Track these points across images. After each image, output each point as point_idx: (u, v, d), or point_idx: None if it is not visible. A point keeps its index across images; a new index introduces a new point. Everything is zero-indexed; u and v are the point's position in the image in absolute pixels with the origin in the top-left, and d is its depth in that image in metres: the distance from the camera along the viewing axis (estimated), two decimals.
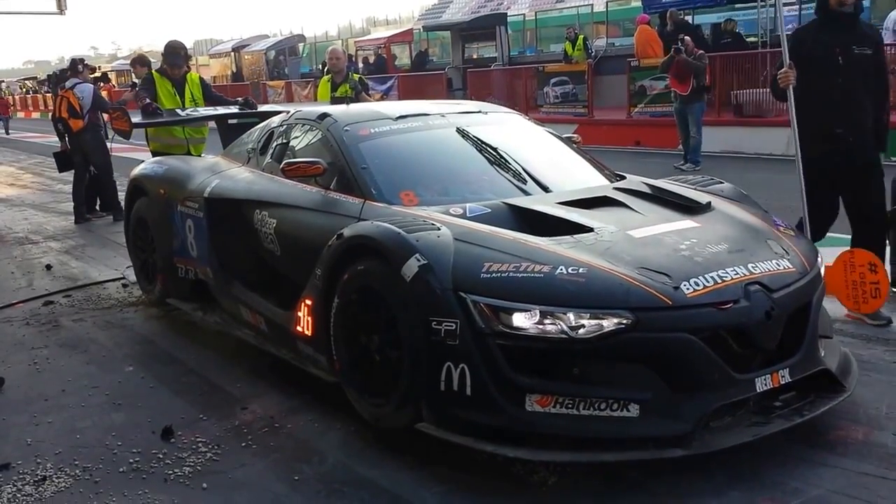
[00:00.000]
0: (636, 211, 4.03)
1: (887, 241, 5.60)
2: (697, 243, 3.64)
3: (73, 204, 10.51)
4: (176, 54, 7.38)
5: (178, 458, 3.70)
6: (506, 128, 5.14)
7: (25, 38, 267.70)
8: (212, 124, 7.34)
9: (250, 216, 4.92)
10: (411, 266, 3.41)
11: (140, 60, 9.52)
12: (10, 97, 38.90)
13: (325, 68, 8.18)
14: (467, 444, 3.33)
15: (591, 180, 4.69)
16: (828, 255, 6.19)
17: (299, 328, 4.23)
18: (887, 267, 5.38)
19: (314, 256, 4.08)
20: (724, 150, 14.03)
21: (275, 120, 5.51)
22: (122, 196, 7.75)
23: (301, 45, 36.64)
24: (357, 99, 6.84)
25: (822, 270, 3.95)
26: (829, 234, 7.42)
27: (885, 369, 4.32)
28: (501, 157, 4.59)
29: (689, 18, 18.73)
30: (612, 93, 18.03)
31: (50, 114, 12.38)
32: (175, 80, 7.31)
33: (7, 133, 29.59)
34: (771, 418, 3.38)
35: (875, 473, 3.27)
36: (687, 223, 3.90)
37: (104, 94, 12.43)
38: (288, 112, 5.50)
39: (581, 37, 20.76)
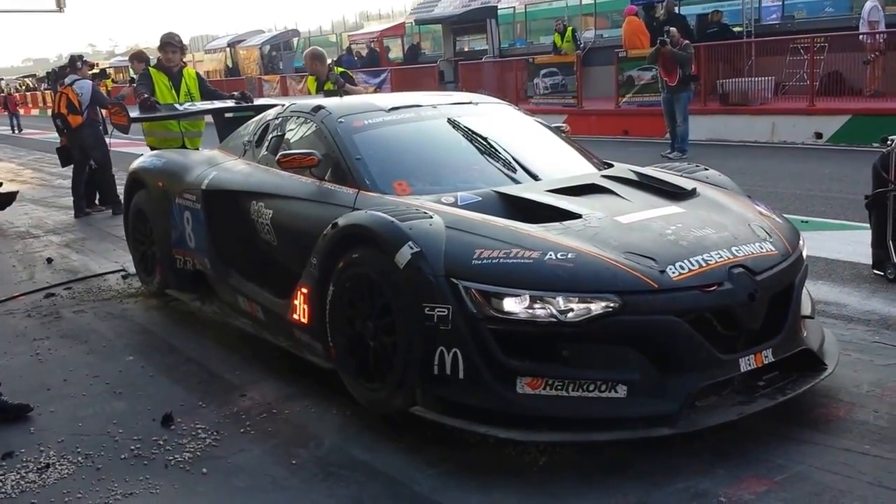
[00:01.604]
0: (623, 197, 4.11)
1: (869, 225, 5.71)
2: (683, 228, 3.72)
3: (72, 198, 10.55)
4: (169, 41, 7.39)
5: (178, 444, 3.77)
6: (496, 118, 5.20)
7: (24, 36, 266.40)
8: (209, 118, 7.39)
9: (247, 207, 4.98)
10: (404, 254, 3.48)
11: (138, 56, 9.54)
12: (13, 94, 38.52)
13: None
14: (460, 427, 3.41)
15: (579, 168, 4.76)
16: (819, 239, 6.34)
17: (296, 316, 4.29)
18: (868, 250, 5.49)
19: (310, 246, 4.15)
20: (710, 138, 14.16)
21: (270, 113, 5.56)
22: (121, 189, 7.81)
23: (295, 40, 36.55)
24: (342, 93, 6.89)
25: (805, 252, 4.03)
26: (820, 219, 7.54)
27: (866, 349, 4.41)
28: (492, 146, 4.66)
29: (675, 9, 18.77)
30: (600, 83, 18.07)
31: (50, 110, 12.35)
32: (171, 74, 7.35)
33: (19, 131, 29.19)
34: (755, 397, 3.47)
35: (856, 449, 3.36)
36: (672, 209, 3.98)
37: (103, 90, 12.42)
38: (283, 105, 5.56)
39: (570, 28, 20.78)
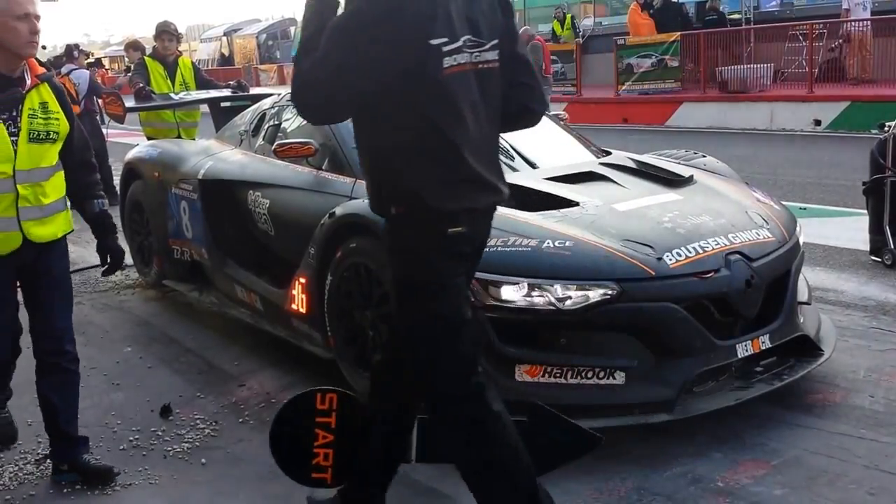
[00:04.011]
0: (621, 185, 4.11)
1: (866, 212, 5.73)
2: (679, 215, 3.72)
3: None
4: (165, 30, 7.37)
5: (177, 434, 3.77)
6: None
7: None
8: (205, 108, 7.36)
9: (244, 197, 4.97)
10: None
11: (134, 45, 9.50)
12: None
13: None
14: None
15: (577, 156, 4.75)
16: (817, 226, 6.35)
17: (294, 306, 4.30)
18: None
19: (307, 235, 4.15)
20: (709, 125, 14.15)
21: (266, 102, 5.54)
22: (117, 180, 7.78)
23: (292, 29, 36.41)
24: None
25: (801, 239, 4.04)
26: (818, 206, 7.54)
27: (863, 334, 4.42)
28: None
29: None
30: (599, 71, 18.06)
31: None
32: (167, 64, 7.32)
33: None
34: (752, 383, 3.49)
35: (851, 434, 3.38)
36: (670, 196, 3.98)
37: (99, 79, 12.37)
38: (279, 94, 5.54)
39: (569, 16, 20.70)
